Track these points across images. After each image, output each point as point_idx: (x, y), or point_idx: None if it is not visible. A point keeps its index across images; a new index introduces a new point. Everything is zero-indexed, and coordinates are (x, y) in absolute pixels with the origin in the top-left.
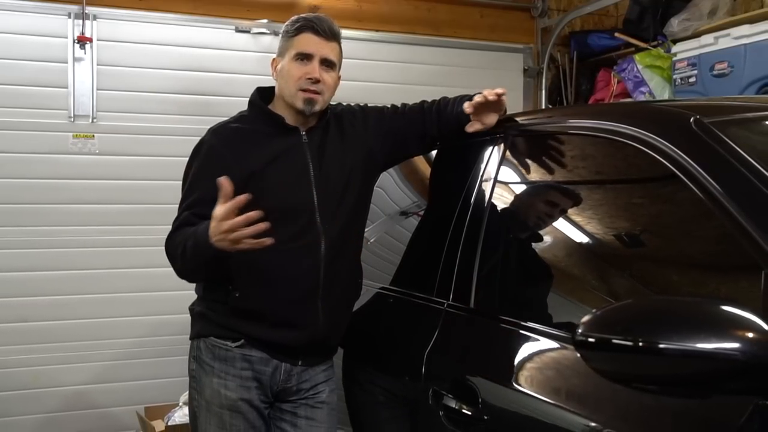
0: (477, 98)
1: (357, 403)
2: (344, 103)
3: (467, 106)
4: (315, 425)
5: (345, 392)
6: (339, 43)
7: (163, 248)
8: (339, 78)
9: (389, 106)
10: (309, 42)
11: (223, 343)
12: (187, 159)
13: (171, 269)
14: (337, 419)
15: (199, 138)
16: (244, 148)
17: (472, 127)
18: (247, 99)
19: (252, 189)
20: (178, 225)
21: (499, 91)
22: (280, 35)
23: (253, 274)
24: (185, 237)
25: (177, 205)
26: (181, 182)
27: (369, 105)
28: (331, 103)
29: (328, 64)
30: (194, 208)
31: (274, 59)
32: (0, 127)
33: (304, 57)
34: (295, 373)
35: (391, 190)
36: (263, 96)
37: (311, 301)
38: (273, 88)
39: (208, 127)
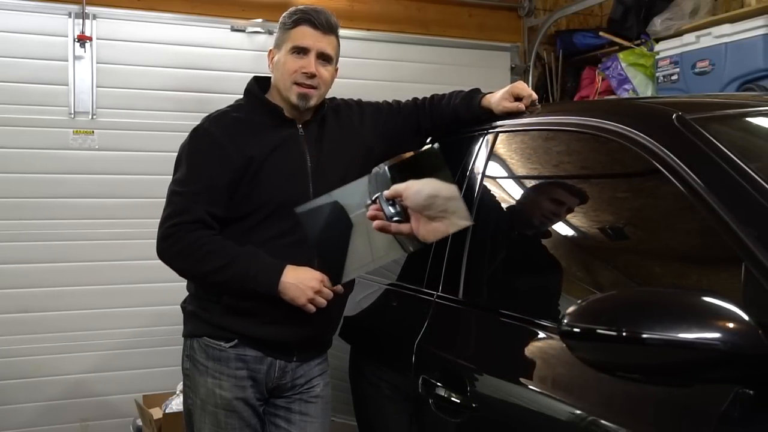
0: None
1: (351, 392)
2: (339, 98)
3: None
4: (309, 420)
5: (339, 382)
6: (337, 36)
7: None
8: (336, 71)
9: (383, 102)
10: (306, 35)
11: (216, 343)
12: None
13: None
14: (330, 411)
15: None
16: (242, 137)
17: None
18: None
19: (249, 179)
20: (194, 219)
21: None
22: (278, 26)
23: None
24: (227, 254)
25: None
26: None
27: (364, 100)
28: (326, 97)
29: (324, 58)
30: (201, 197)
31: (270, 50)
32: (2, 124)
33: (300, 50)
34: (289, 369)
35: None
36: (260, 85)
37: None
38: (270, 78)
39: None
